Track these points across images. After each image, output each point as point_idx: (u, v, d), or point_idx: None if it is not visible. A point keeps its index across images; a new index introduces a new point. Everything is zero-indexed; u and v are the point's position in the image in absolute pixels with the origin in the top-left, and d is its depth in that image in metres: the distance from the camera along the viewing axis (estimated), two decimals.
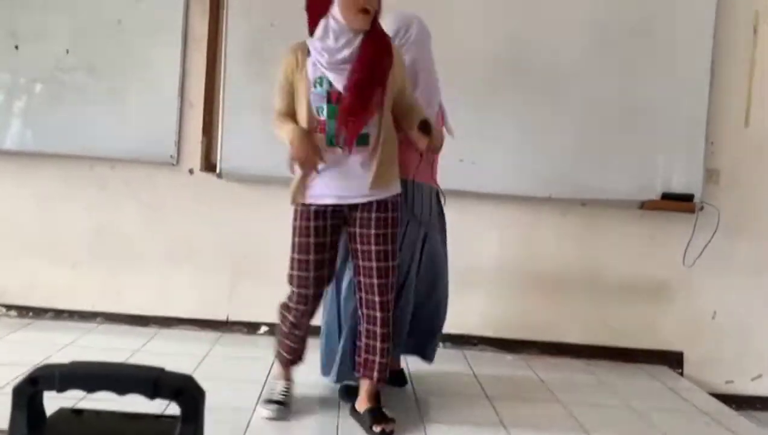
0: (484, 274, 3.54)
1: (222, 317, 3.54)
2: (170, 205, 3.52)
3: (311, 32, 2.23)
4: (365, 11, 2.15)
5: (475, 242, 3.52)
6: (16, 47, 3.36)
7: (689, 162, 3.45)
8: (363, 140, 2.23)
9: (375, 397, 2.38)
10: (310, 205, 2.30)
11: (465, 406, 2.69)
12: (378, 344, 2.33)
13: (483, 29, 3.38)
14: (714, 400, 3.15)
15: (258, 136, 3.25)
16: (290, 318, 2.42)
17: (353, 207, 2.30)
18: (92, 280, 3.52)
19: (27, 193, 3.50)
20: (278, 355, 2.55)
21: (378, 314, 2.32)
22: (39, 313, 3.51)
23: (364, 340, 2.37)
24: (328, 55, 2.18)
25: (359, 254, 2.33)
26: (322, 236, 2.31)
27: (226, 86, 3.35)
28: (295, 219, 2.34)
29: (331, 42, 2.18)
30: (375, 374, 2.35)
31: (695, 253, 3.51)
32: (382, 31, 2.27)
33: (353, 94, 2.17)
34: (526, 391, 2.99)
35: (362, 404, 2.37)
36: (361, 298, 2.36)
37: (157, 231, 3.52)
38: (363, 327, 2.37)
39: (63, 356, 2.83)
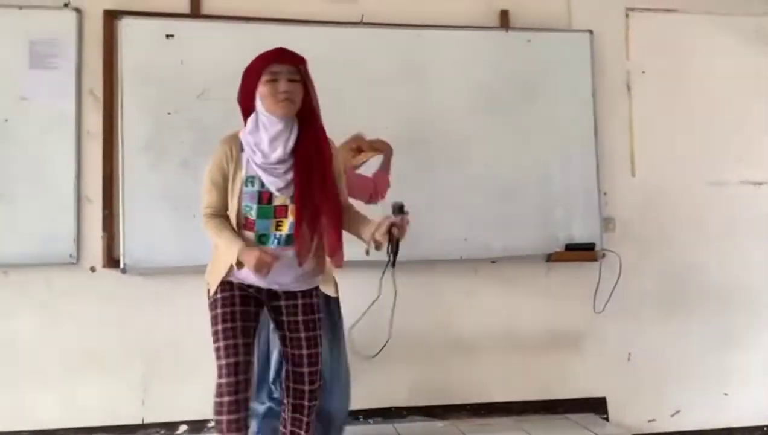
0: (404, 343, 3.52)
1: (137, 421, 3.33)
2: (72, 307, 3.32)
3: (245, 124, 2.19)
4: (286, 99, 2.11)
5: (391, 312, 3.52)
6: None
7: (586, 213, 3.63)
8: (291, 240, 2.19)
9: None
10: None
11: None
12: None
13: (386, 113, 3.44)
14: None
15: (162, 226, 3.19)
16: (225, 403, 2.10)
17: (274, 293, 2.27)
18: None
19: None
20: None
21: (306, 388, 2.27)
22: None
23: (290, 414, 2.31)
24: (261, 156, 2.13)
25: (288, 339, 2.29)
26: (246, 306, 2.22)
27: (125, 178, 3.26)
28: (215, 293, 2.20)
29: (264, 141, 2.13)
30: None
31: (603, 299, 3.64)
32: (318, 127, 2.20)
33: (301, 211, 2.14)
34: None
35: None
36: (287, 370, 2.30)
37: (59, 337, 3.30)
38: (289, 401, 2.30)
39: None
